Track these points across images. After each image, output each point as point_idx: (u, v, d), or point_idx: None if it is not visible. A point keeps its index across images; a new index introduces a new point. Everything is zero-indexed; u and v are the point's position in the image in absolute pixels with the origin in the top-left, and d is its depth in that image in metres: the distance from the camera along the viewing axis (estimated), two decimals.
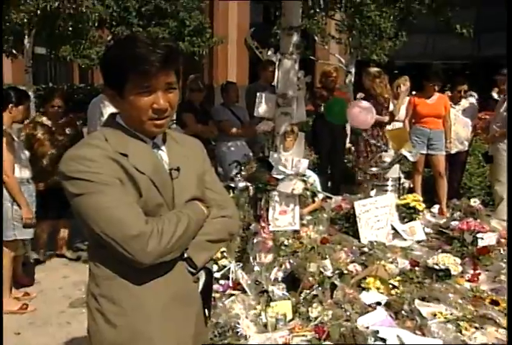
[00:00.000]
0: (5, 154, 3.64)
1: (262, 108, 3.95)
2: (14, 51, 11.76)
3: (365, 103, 4.81)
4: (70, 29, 10.81)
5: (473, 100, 7.58)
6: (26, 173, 3.91)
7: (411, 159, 4.68)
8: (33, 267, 4.66)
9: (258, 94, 3.98)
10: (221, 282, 3.22)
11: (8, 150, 3.65)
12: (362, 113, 4.76)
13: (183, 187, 1.59)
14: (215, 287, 3.15)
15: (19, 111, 3.81)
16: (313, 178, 3.93)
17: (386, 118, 6.06)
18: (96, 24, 11.97)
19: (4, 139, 3.64)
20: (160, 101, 1.47)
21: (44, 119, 4.65)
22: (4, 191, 3.68)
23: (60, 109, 4.70)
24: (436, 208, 5.82)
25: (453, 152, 6.21)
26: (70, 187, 1.45)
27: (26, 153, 4.00)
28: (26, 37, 10.70)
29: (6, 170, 3.64)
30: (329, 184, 6.55)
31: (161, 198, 1.52)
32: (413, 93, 6.59)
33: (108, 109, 4.51)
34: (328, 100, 5.69)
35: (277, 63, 3.74)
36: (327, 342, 2.62)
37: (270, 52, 3.98)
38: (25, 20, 9.53)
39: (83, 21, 10.77)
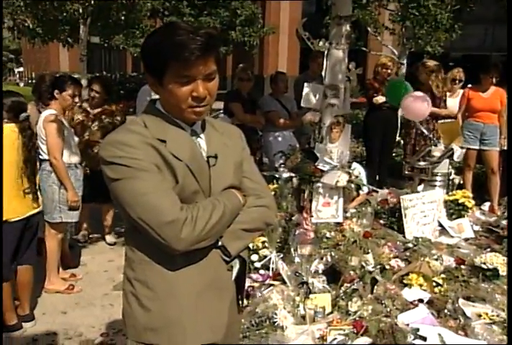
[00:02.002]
0: (54, 139, 3.75)
1: (308, 99, 3.89)
2: (70, 40, 12.11)
3: (419, 93, 4.64)
4: (123, 18, 11.02)
5: None
6: (74, 158, 4.02)
7: (455, 157, 4.53)
8: (79, 250, 4.81)
9: (305, 84, 3.93)
10: (261, 272, 3.22)
11: (58, 135, 3.77)
12: (415, 102, 4.60)
13: (221, 175, 1.58)
14: (255, 276, 3.17)
15: (63, 97, 3.90)
16: (359, 171, 3.86)
17: (443, 112, 5.89)
18: (149, 14, 12.15)
19: (55, 125, 3.75)
20: (199, 89, 1.47)
21: (85, 105, 4.75)
22: (52, 174, 3.81)
23: (97, 95, 4.72)
24: (486, 206, 5.66)
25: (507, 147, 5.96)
26: (109, 172, 1.47)
27: (76, 139, 4.11)
28: (81, 26, 11.00)
29: (54, 153, 3.76)
30: (377, 177, 6.44)
31: (197, 185, 1.52)
32: (469, 85, 6.35)
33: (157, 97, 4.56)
34: (390, 80, 5.42)
35: (325, 53, 3.67)
36: (364, 337, 2.59)
37: (321, 43, 3.92)
38: (80, 10, 9.77)
39: (135, 10, 10.95)
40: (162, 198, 1.43)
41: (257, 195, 1.67)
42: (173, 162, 1.47)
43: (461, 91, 6.20)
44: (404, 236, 3.93)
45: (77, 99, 4.04)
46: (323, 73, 3.75)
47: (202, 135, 1.61)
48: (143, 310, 1.54)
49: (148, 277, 1.53)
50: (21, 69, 53.31)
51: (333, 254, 3.32)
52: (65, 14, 10.16)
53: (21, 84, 38.14)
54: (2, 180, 3.07)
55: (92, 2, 9.66)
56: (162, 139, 1.49)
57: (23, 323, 3.39)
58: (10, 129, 3.22)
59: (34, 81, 22.17)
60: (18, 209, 3.23)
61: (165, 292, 1.52)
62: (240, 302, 1.71)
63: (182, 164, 1.49)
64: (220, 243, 1.56)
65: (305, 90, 3.87)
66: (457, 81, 6.33)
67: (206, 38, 1.43)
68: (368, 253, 3.34)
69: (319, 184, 3.60)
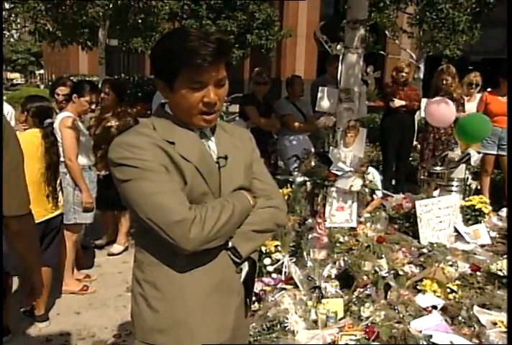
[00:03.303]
0: (69, 140, 3.81)
1: (323, 103, 3.89)
2: (89, 43, 12.25)
3: (443, 99, 4.60)
4: (141, 21, 11.11)
5: None
6: (89, 160, 4.06)
7: (472, 162, 4.48)
8: (93, 251, 4.85)
9: (320, 88, 3.92)
10: (274, 275, 3.21)
11: (73, 137, 3.82)
12: (439, 109, 4.55)
13: (231, 176, 1.59)
14: (267, 280, 3.16)
15: (80, 102, 3.94)
16: (373, 175, 3.83)
17: (462, 115, 5.84)
18: (167, 17, 12.24)
19: (71, 127, 3.80)
20: (210, 95, 1.48)
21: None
22: (67, 176, 3.85)
23: (106, 96, 4.69)
24: (504, 212, 5.57)
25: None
26: (118, 174, 1.49)
27: (91, 142, 4.16)
28: (100, 29, 11.11)
29: (69, 155, 3.81)
30: (394, 182, 6.40)
31: (206, 187, 1.53)
32: (489, 89, 6.28)
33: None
34: (461, 118, 5.23)
35: (340, 57, 3.66)
36: (376, 343, 2.57)
37: (339, 46, 3.88)
38: (100, 13, 9.88)
39: (153, 14, 11.03)
40: (170, 198, 1.44)
41: (267, 196, 1.67)
42: (182, 163, 1.48)
43: (479, 95, 6.13)
44: (419, 242, 3.89)
45: (93, 106, 4.06)
46: (338, 77, 3.74)
47: (212, 137, 1.62)
48: (151, 311, 1.55)
49: (156, 278, 1.54)
50: (42, 71, 54.13)
51: (346, 258, 3.30)
52: (84, 18, 10.29)
53: (42, 86, 38.68)
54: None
55: (110, 6, 9.76)
56: (170, 140, 1.50)
57: (37, 323, 3.43)
58: (32, 134, 3.28)
59: None
60: (36, 213, 3.27)
61: (173, 293, 1.53)
62: (248, 304, 1.70)
63: (190, 165, 1.50)
64: (230, 244, 1.56)
65: (320, 94, 3.86)
66: (474, 85, 6.26)
67: (217, 44, 1.44)
68: (382, 258, 3.32)
69: (333, 188, 3.59)
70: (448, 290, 3.18)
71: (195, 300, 1.54)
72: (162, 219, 1.43)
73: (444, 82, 5.87)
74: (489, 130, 4.69)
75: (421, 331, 2.70)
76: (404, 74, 6.21)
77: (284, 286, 3.11)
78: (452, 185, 4.53)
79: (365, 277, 3.12)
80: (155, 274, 1.55)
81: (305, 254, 3.36)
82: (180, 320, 1.53)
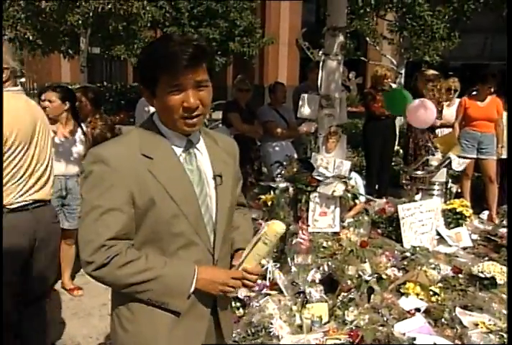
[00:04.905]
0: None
1: (305, 109, 3.92)
2: (71, 51, 12.18)
3: (429, 103, 4.68)
4: (123, 29, 11.07)
5: None
6: (75, 168, 3.99)
7: (455, 166, 4.55)
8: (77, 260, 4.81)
9: (301, 95, 3.96)
10: (258, 281, 3.21)
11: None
12: (423, 111, 4.62)
13: (225, 195, 1.61)
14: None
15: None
16: (355, 180, 3.87)
17: (437, 123, 5.93)
18: (149, 25, 12.22)
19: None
20: (189, 100, 1.47)
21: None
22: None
23: (81, 104, 4.59)
24: (485, 214, 5.66)
25: (504, 156, 5.97)
26: (81, 182, 1.52)
27: (77, 149, 4.07)
28: (81, 37, 11.05)
29: None
30: (377, 187, 6.45)
31: (177, 209, 1.49)
32: (474, 93, 6.35)
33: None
34: (389, 91, 5.38)
35: (320, 64, 3.71)
36: None
37: (320, 53, 3.93)
38: (80, 21, 9.83)
39: (135, 21, 11.00)
40: (102, 221, 1.45)
41: (244, 213, 1.86)
42: (151, 183, 1.47)
43: (457, 100, 6.22)
44: (402, 245, 3.93)
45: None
46: (318, 84, 3.78)
47: (201, 148, 1.62)
48: (121, 330, 1.57)
49: (128, 298, 1.54)
50: (23, 79, 53.66)
51: (330, 263, 3.32)
52: (64, 26, 10.22)
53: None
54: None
55: (90, 14, 9.72)
56: (149, 156, 1.49)
57: None
58: None
59: (35, 91, 22.24)
60: None
61: (143, 316, 1.54)
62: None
63: (160, 187, 1.48)
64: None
65: (301, 100, 3.90)
66: (452, 91, 6.35)
67: (195, 49, 1.45)
68: (365, 262, 3.35)
69: (316, 194, 3.62)
70: (431, 293, 3.22)
71: (163, 325, 1.53)
72: (85, 236, 1.47)
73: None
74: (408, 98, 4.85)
75: (404, 334, 2.74)
76: (390, 80, 6.27)
77: (268, 291, 3.12)
78: (434, 189, 4.59)
79: (349, 282, 3.15)
80: (127, 294, 1.53)
81: (289, 259, 3.38)
82: (147, 343, 1.54)
